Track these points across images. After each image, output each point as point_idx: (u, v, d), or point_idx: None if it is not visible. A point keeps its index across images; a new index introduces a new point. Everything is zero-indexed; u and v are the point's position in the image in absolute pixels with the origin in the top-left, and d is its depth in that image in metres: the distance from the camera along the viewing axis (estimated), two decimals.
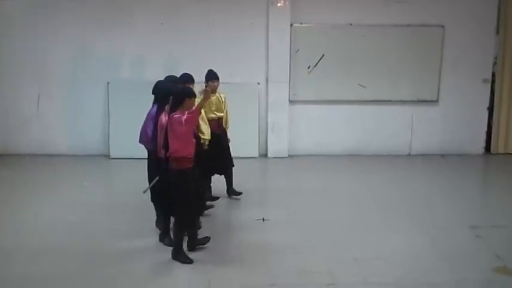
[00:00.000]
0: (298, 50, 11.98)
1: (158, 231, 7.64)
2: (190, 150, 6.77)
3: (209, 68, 8.82)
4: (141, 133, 7.63)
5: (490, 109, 12.61)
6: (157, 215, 7.83)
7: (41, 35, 11.69)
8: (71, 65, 11.82)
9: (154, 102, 7.48)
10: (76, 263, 6.93)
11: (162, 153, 6.90)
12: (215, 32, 11.79)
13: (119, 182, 10.87)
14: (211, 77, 8.72)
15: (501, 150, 12.68)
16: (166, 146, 6.82)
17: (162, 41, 11.76)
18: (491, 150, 12.70)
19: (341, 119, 12.15)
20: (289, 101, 11.83)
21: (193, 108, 6.77)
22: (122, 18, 11.72)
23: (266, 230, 7.02)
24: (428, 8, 12.07)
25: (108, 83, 11.79)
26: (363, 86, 12.07)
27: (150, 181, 7.36)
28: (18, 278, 6.53)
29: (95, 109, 11.96)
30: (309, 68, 12.04)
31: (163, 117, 6.98)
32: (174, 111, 6.79)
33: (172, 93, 6.91)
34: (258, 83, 11.93)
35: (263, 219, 7.32)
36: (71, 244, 7.46)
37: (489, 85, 12.49)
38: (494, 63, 12.45)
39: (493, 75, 12.49)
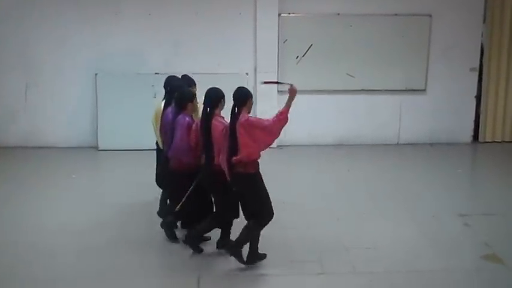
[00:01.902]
0: (286, 40, 11.96)
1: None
2: (259, 154, 6.59)
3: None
4: (176, 146, 6.94)
5: (478, 98, 12.65)
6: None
7: (26, 25, 11.58)
8: (57, 56, 11.74)
9: (168, 102, 7.28)
10: (65, 257, 6.92)
11: (222, 159, 6.50)
12: (203, 22, 11.74)
13: (108, 173, 10.82)
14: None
15: (489, 138, 12.73)
16: (209, 150, 6.60)
17: (150, 32, 11.70)
18: (479, 139, 12.75)
19: (330, 108, 12.16)
20: (278, 91, 11.81)
21: (281, 110, 6.39)
22: (108, 8, 11.64)
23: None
24: None
25: (96, 74, 11.72)
26: (351, 76, 12.08)
27: (176, 199, 7.05)
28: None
29: (83, 101, 11.89)
30: (297, 58, 12.03)
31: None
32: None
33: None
34: (247, 73, 11.90)
35: None
36: (59, 238, 7.43)
37: (477, 74, 12.52)
38: (482, 52, 12.47)
39: (481, 63, 12.52)
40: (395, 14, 12.04)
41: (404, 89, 12.31)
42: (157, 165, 7.86)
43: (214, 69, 11.59)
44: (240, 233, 6.59)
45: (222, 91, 6.68)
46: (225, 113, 6.57)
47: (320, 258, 6.81)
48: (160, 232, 7.46)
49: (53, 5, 11.58)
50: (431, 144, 12.43)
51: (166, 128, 7.08)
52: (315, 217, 8.14)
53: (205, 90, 6.66)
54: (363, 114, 12.37)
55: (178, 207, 6.89)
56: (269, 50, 11.84)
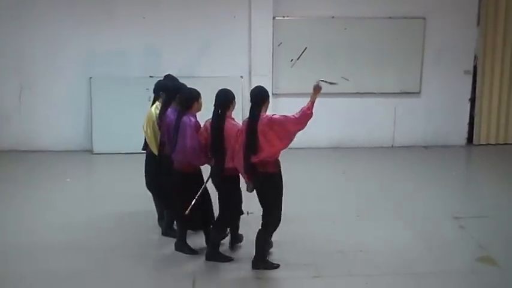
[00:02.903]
0: (281, 43, 11.97)
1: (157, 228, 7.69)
2: (279, 153, 6.59)
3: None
4: (183, 147, 6.73)
5: (472, 100, 12.68)
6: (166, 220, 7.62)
7: (20, 28, 11.56)
8: (52, 60, 11.71)
9: (166, 104, 7.21)
10: (59, 260, 6.90)
11: (237, 160, 6.45)
12: (197, 25, 11.74)
13: (103, 177, 10.81)
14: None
15: (483, 141, 12.75)
16: (219, 151, 6.54)
17: (144, 35, 11.69)
18: (474, 141, 12.77)
19: (324, 111, 12.09)
20: (272, 94, 11.81)
21: (307, 105, 6.46)
22: (102, 12, 11.63)
23: (251, 223, 7.02)
24: (409, 1, 12.10)
25: (90, 77, 11.70)
26: (345, 79, 12.09)
27: (179, 200, 6.87)
28: None
29: (78, 104, 11.87)
30: (291, 61, 12.04)
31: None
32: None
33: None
34: (241, 77, 11.90)
35: (247, 212, 7.31)
36: (53, 242, 7.41)
37: (471, 76, 12.55)
38: (476, 55, 12.50)
39: (475, 66, 12.55)
40: (390, 17, 12.06)
41: (398, 91, 12.33)
42: (146, 170, 7.74)
43: (209, 72, 11.59)
44: (256, 248, 6.62)
45: (232, 92, 6.67)
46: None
47: (315, 261, 6.81)
48: (156, 235, 7.48)
49: (47, 8, 11.56)
50: (425, 147, 12.46)
51: (169, 130, 6.96)
52: (310, 220, 8.14)
53: (216, 92, 6.64)
54: (357, 117, 12.38)
55: (188, 210, 6.70)
56: (264, 53, 11.84)
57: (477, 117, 12.70)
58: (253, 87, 6.78)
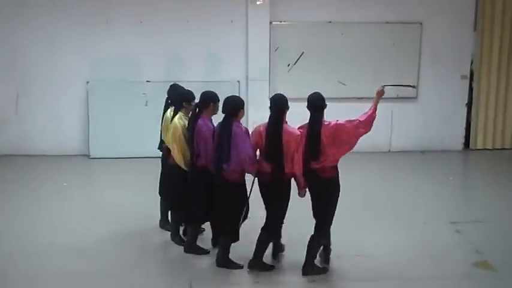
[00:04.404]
0: (278, 47, 11.98)
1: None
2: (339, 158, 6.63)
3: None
4: (243, 157, 6.49)
5: (469, 105, 12.70)
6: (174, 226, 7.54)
7: (17, 34, 11.55)
8: (49, 65, 11.69)
9: (197, 114, 6.88)
10: (55, 262, 6.90)
11: (296, 166, 6.39)
12: (194, 30, 11.75)
13: (100, 181, 10.81)
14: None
15: (480, 145, 12.77)
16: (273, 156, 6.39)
17: (141, 39, 11.68)
18: (470, 146, 12.79)
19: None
20: (270, 99, 11.84)
21: (371, 109, 6.76)
22: (99, 17, 11.62)
23: (249, 228, 7.02)
24: (406, 5, 12.13)
25: (87, 82, 11.69)
26: (342, 84, 12.10)
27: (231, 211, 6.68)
28: None
29: (75, 109, 11.86)
30: (288, 66, 12.05)
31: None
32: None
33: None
34: (238, 81, 11.91)
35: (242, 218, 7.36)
36: (50, 246, 7.40)
37: (467, 81, 12.58)
38: (472, 60, 12.53)
39: (471, 71, 12.57)
40: (387, 22, 12.09)
41: (395, 96, 12.28)
42: (166, 181, 7.57)
43: (206, 77, 11.59)
44: (307, 254, 6.61)
45: (286, 98, 6.63)
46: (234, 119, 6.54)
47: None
48: (152, 238, 7.49)
49: (44, 13, 11.55)
50: (422, 152, 12.46)
51: (206, 140, 6.74)
52: (307, 225, 8.10)
53: (272, 96, 6.68)
54: None
55: (241, 221, 6.66)
56: (260, 58, 11.85)
57: (474, 122, 12.72)
58: (311, 93, 6.84)
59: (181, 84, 7.96)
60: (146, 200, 8.63)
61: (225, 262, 6.76)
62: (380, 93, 6.89)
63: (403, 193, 9.71)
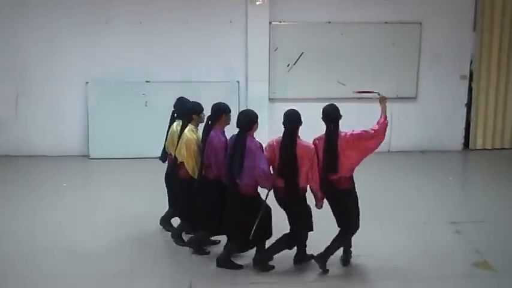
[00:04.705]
0: (277, 48, 11.98)
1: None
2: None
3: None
4: (260, 172, 6.48)
5: (468, 105, 12.70)
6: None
7: (17, 34, 11.55)
8: (48, 65, 11.68)
9: (209, 127, 6.87)
10: (55, 262, 6.89)
11: (312, 178, 6.47)
12: (194, 30, 11.75)
13: (100, 182, 10.80)
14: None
15: (479, 145, 12.77)
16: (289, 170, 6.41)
17: (141, 40, 11.68)
18: (470, 146, 12.79)
19: (320, 116, 12.15)
20: (269, 99, 11.84)
21: (382, 117, 6.94)
22: (98, 17, 11.61)
23: None
24: (406, 5, 12.12)
25: (86, 82, 11.69)
26: (342, 84, 12.10)
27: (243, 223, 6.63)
28: None
29: (74, 109, 11.85)
30: (288, 66, 12.05)
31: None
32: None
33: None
34: (238, 82, 11.91)
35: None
36: (50, 247, 7.40)
37: (467, 81, 12.58)
38: (472, 60, 12.53)
39: (471, 71, 12.57)
40: (386, 22, 12.09)
41: (395, 96, 12.31)
42: (171, 188, 7.58)
43: (205, 78, 11.59)
44: (328, 248, 6.69)
45: (299, 113, 6.65)
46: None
47: (312, 266, 6.79)
48: (151, 238, 7.49)
49: (44, 14, 11.55)
50: (422, 152, 12.46)
51: (216, 152, 6.73)
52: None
53: (285, 113, 6.61)
54: (353, 122, 12.18)
55: (252, 234, 6.58)
56: (260, 58, 11.84)
57: (473, 122, 12.72)
58: (326, 105, 6.94)
59: (181, 84, 7.95)
60: (146, 200, 8.65)
61: (225, 262, 6.76)
62: (383, 100, 7.11)
63: (403, 193, 9.71)
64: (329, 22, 12.03)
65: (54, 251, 7.24)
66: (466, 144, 12.82)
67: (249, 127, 6.56)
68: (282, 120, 6.56)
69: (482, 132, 12.73)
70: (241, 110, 6.82)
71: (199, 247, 7.17)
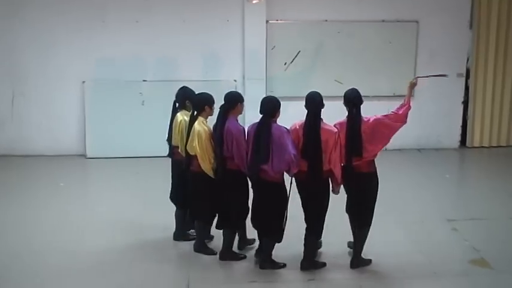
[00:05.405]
0: (274, 46, 11.98)
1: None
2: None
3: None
4: (290, 157, 6.36)
5: (465, 103, 12.71)
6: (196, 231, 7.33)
7: (12, 34, 11.50)
8: (44, 64, 11.65)
9: (223, 116, 6.75)
10: (51, 264, 6.89)
11: (335, 163, 6.42)
12: (190, 29, 11.74)
13: (97, 181, 10.79)
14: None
15: (476, 143, 12.78)
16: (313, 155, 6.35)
17: (137, 39, 11.66)
18: (467, 144, 12.79)
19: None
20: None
21: (405, 101, 6.95)
22: (95, 16, 11.58)
23: (247, 228, 7.05)
24: (402, 4, 12.13)
25: (83, 82, 11.67)
26: (339, 82, 12.10)
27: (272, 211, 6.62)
28: None
29: (71, 109, 11.83)
30: (285, 64, 12.06)
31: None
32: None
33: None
34: (235, 80, 11.90)
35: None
36: (46, 247, 7.41)
37: (464, 79, 12.59)
38: (468, 58, 12.55)
39: (468, 69, 12.59)
40: (383, 21, 12.10)
41: (392, 95, 12.32)
42: (173, 180, 7.43)
43: (202, 76, 11.59)
44: (355, 247, 6.81)
45: (321, 95, 6.78)
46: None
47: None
48: (151, 236, 7.52)
49: (40, 13, 11.51)
50: (419, 150, 12.47)
51: (238, 142, 6.61)
52: (304, 224, 8.13)
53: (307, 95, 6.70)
54: None
55: (285, 222, 6.63)
56: (257, 57, 11.84)
57: (470, 119, 12.73)
58: (348, 89, 7.14)
59: (178, 83, 7.93)
60: (143, 199, 8.65)
61: (270, 264, 6.74)
62: (412, 85, 7.14)
63: (400, 191, 9.71)
64: (326, 20, 12.03)
65: (50, 250, 7.24)
66: (463, 142, 12.83)
67: (272, 113, 6.55)
68: (304, 103, 6.58)
69: (479, 130, 12.74)
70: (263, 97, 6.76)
71: (233, 254, 7.03)
